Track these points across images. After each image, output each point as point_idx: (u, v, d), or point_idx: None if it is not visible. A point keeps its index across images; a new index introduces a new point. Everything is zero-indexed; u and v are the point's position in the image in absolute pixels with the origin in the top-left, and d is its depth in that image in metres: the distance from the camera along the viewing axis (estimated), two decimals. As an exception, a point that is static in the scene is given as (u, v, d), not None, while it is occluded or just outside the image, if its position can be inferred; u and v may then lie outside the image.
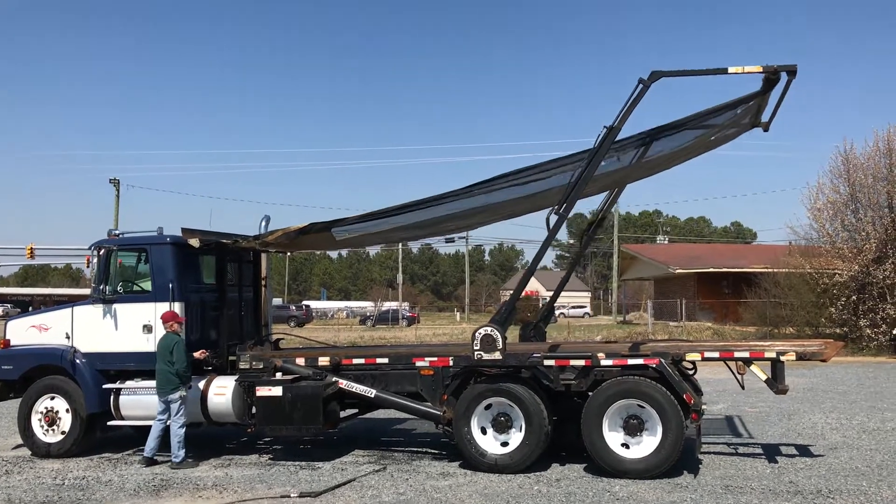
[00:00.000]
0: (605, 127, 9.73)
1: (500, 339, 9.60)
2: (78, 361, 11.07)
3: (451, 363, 10.15)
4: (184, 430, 10.29)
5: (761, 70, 9.42)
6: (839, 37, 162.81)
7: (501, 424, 9.66)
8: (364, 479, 9.40)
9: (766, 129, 10.61)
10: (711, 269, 46.08)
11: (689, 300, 43.87)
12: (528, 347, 10.74)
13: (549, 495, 8.50)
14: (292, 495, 8.65)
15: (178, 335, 10.41)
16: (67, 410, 11.09)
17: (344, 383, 10.51)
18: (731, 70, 9.48)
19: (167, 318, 10.43)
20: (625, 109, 9.63)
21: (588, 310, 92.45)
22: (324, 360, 10.74)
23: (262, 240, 11.04)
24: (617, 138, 9.82)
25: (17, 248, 64.39)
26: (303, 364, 10.77)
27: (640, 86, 9.55)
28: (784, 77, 9.49)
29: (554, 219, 9.78)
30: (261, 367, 10.80)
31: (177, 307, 10.79)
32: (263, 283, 12.71)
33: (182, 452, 10.24)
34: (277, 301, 77.90)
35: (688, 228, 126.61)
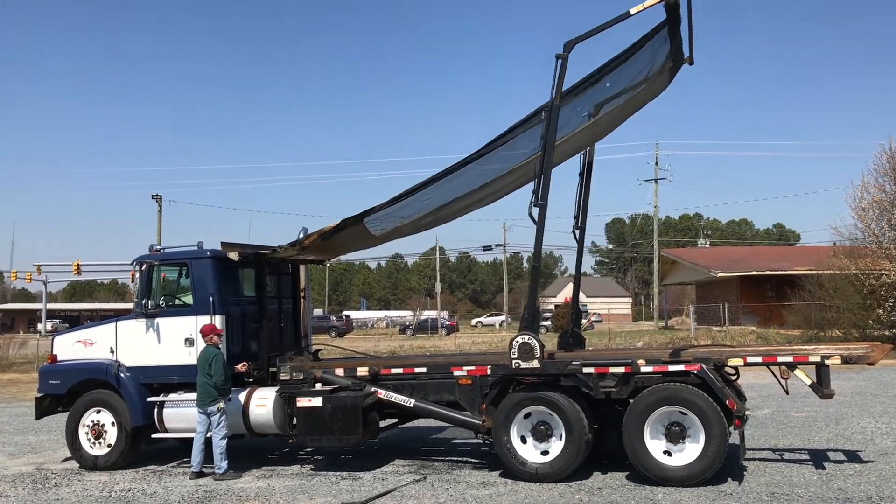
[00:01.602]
0: (545, 110, 9.79)
1: (538, 348, 9.55)
2: (122, 375, 11.26)
3: (489, 372, 10.12)
4: (225, 441, 10.41)
5: (658, 0, 9.37)
6: (880, 34, 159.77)
7: (541, 433, 9.60)
8: (404, 489, 9.40)
9: (691, 63, 10.44)
10: (754, 272, 45.37)
11: (732, 304, 43.11)
12: (567, 355, 10.68)
13: (590, 504, 8.42)
14: (333, 506, 8.68)
15: (218, 348, 10.53)
16: (113, 424, 11.28)
17: (383, 393, 10.54)
18: (633, 11, 9.50)
19: (206, 331, 10.57)
20: (555, 86, 9.65)
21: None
22: (363, 371, 10.78)
23: (300, 245, 11.10)
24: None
25: (64, 264, 66.00)
26: (342, 374, 10.83)
27: (559, 60, 9.60)
28: None
29: (535, 210, 9.77)
30: (301, 378, 10.88)
31: (217, 320, 10.92)
32: (302, 294, 12.81)
33: (225, 464, 10.35)
34: (318, 312, 78.53)
35: (729, 231, 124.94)
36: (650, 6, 9.46)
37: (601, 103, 10.65)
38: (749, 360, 9.60)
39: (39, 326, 73.94)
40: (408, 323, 71.57)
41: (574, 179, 12.42)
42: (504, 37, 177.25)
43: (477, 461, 11.03)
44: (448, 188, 10.60)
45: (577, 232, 12.40)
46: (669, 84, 11.12)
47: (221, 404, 10.38)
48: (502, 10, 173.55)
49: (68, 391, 11.63)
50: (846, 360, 9.41)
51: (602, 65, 10.29)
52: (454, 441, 12.87)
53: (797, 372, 9.48)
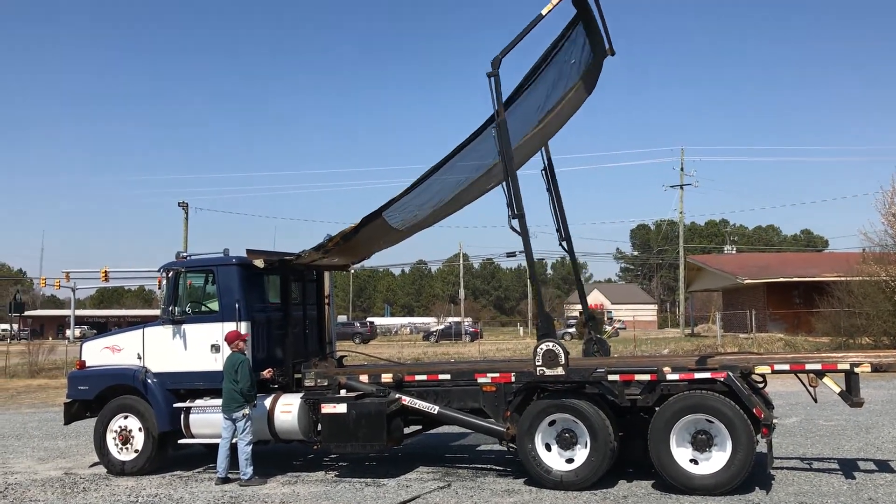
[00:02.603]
0: (492, 127, 10.04)
1: (563, 355, 9.52)
2: (149, 381, 11.36)
3: (513, 379, 10.09)
4: (251, 447, 10.46)
5: None
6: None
7: (566, 441, 9.55)
8: (429, 496, 9.39)
9: (612, 54, 10.87)
10: (782, 279, 44.86)
11: (759, 311, 42.72)
12: (592, 362, 10.62)
13: (616, 512, 8.36)
14: (358, 512, 8.69)
15: (244, 354, 10.60)
16: (140, 429, 11.38)
17: (407, 400, 10.55)
18: (543, 12, 9.73)
19: (231, 337, 10.63)
20: (495, 102, 9.88)
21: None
22: (387, 377, 10.78)
23: (324, 248, 11.09)
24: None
25: (92, 271, 66.74)
26: (366, 381, 10.84)
27: (492, 79, 9.83)
28: None
29: (516, 222, 9.96)
30: (325, 384, 10.90)
31: (243, 327, 11.00)
32: (327, 300, 12.86)
33: (250, 470, 10.40)
34: (342, 318, 78.77)
35: (756, 237, 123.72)
36: (557, 3, 9.72)
37: (545, 107, 10.97)
38: (776, 367, 9.49)
39: (68, 332, 74.85)
40: (432, 329, 71.59)
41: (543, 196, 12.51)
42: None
43: (501, 468, 10.99)
44: (460, 167, 10.74)
45: (565, 244, 12.58)
46: (598, 77, 11.35)
47: (247, 410, 10.44)
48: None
49: (96, 397, 11.76)
50: (876, 368, 9.28)
51: (530, 70, 10.56)
52: (478, 448, 12.84)
53: (826, 380, 9.36)
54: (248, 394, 10.43)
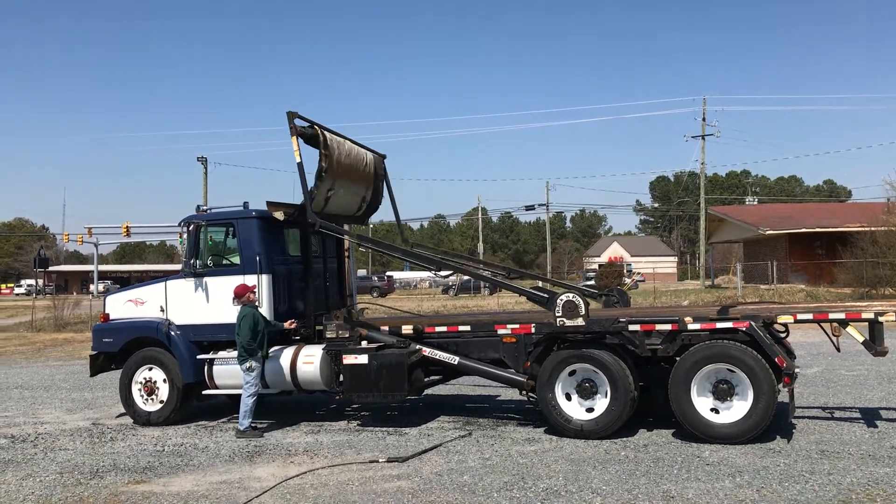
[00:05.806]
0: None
1: (583, 306, 9.49)
2: (172, 333, 11.47)
3: (533, 330, 10.11)
4: (252, 399, 10.47)
5: (295, 137, 10.65)
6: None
7: (586, 390, 9.58)
8: (450, 445, 9.49)
9: (384, 157, 13.09)
10: (804, 230, 44.32)
11: (780, 262, 42.32)
12: (612, 312, 10.60)
13: (636, 461, 8.40)
14: (381, 460, 8.80)
15: (254, 307, 10.60)
16: (165, 380, 11.53)
17: (427, 351, 10.60)
18: (297, 160, 10.72)
19: (239, 291, 10.63)
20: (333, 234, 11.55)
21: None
22: (407, 329, 10.84)
23: (321, 173, 11.07)
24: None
25: (114, 227, 67.36)
26: (387, 332, 10.89)
27: (318, 224, 11.05)
28: (299, 122, 10.78)
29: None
30: (347, 335, 10.96)
31: (264, 279, 11.04)
32: (346, 254, 12.88)
33: (247, 422, 10.42)
34: (361, 272, 79.16)
35: (778, 188, 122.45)
36: (298, 149, 10.66)
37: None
38: (800, 316, 9.43)
39: (92, 287, 75.83)
40: (451, 283, 71.68)
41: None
42: None
43: (521, 418, 11.07)
44: None
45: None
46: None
47: (250, 363, 10.45)
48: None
49: (121, 349, 11.91)
50: (901, 317, 9.18)
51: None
52: (499, 398, 12.93)
53: (849, 329, 9.29)
54: (249, 347, 10.40)
